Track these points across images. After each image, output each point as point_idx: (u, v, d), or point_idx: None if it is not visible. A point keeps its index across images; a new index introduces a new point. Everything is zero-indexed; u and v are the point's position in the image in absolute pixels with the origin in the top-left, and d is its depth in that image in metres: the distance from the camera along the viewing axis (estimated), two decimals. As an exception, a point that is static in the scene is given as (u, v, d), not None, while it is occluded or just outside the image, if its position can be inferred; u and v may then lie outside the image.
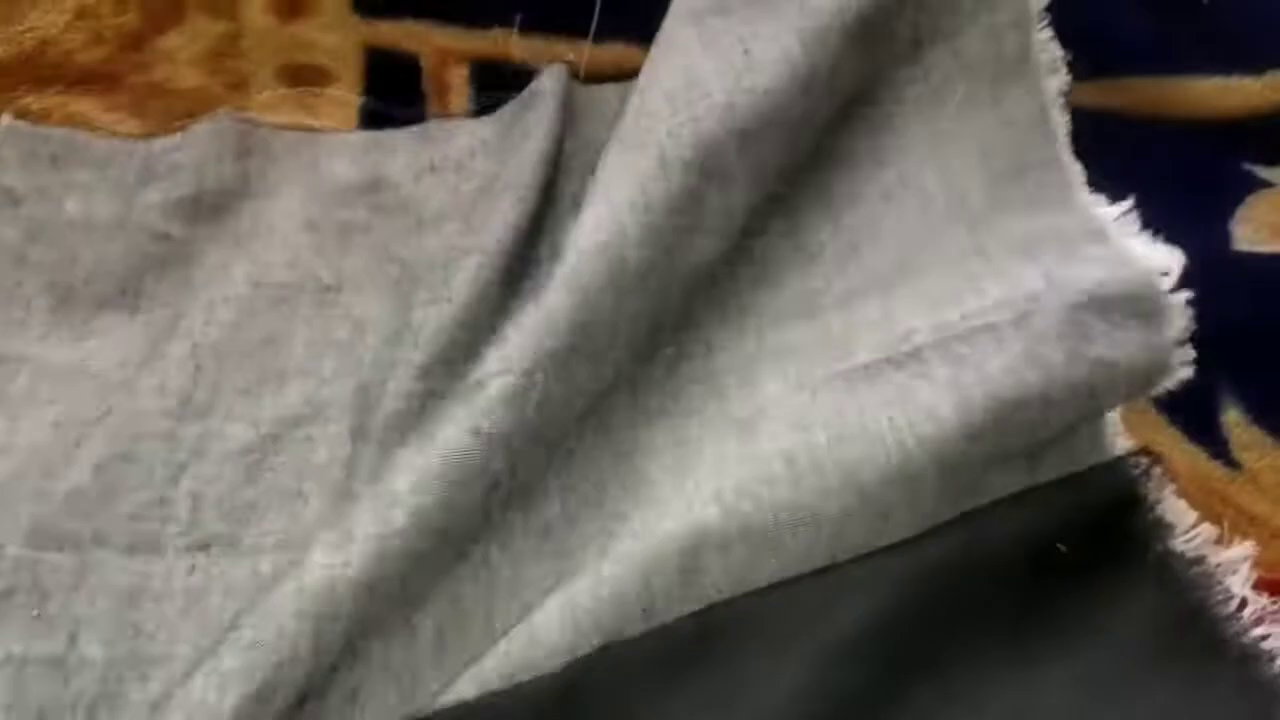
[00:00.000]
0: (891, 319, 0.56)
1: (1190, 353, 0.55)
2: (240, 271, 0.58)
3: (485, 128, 0.64)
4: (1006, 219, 0.60)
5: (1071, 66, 0.68)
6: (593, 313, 0.53)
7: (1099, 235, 0.58)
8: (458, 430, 0.51)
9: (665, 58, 0.60)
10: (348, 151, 0.62)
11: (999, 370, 0.53)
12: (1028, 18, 0.66)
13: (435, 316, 0.57)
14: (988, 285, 0.56)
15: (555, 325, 0.52)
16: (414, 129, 0.64)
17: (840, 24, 0.60)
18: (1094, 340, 0.53)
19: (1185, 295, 0.55)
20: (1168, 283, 0.55)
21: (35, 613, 0.49)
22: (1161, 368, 0.54)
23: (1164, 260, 0.56)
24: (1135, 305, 0.55)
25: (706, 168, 0.56)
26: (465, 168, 0.63)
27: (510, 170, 0.61)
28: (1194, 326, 0.56)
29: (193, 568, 0.51)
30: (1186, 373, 0.55)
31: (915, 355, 0.54)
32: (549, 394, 0.52)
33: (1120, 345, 0.54)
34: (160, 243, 0.58)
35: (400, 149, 0.63)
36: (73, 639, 0.49)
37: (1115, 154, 0.67)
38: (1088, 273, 0.55)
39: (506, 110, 0.64)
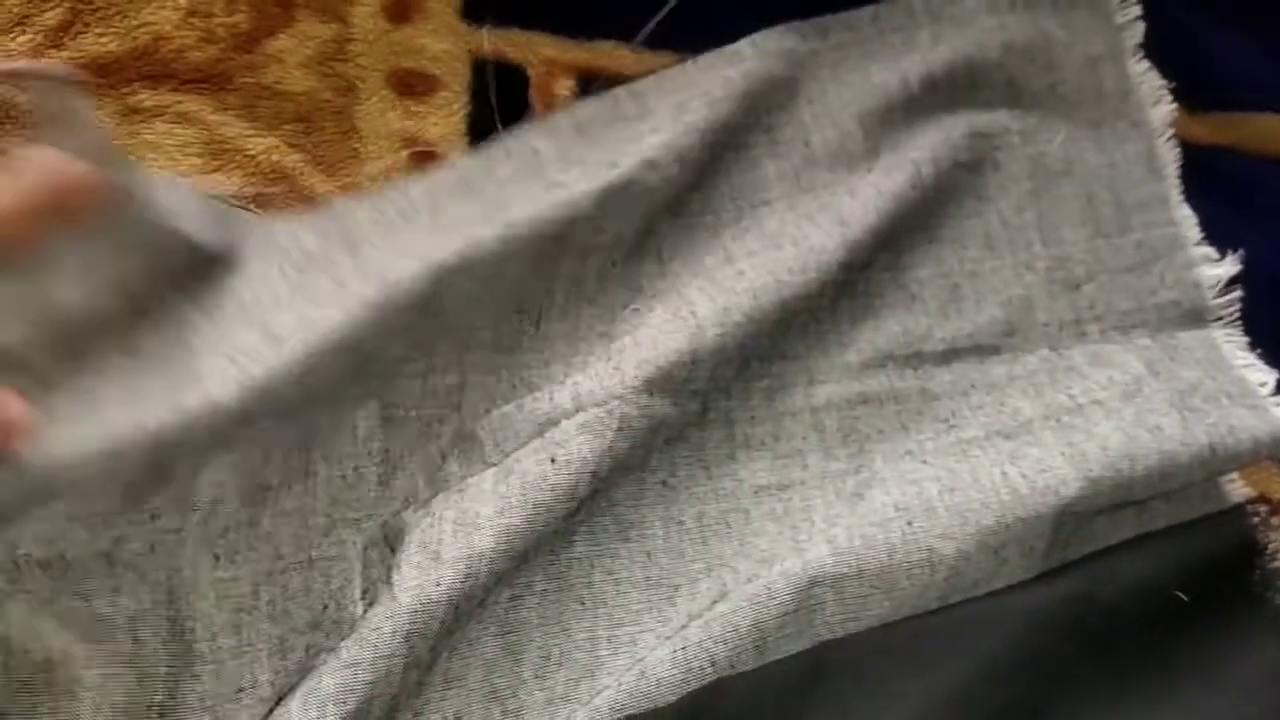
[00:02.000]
0: (1000, 403, 0.56)
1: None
2: None
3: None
4: (1108, 288, 0.60)
5: (1183, 101, 0.67)
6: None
7: (1197, 318, 0.59)
8: (534, 459, 0.50)
9: (736, 159, 0.60)
10: None
11: (1110, 431, 0.53)
12: (1121, 50, 0.65)
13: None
14: (1090, 371, 0.57)
15: (625, 364, 0.52)
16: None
17: (905, 97, 0.61)
18: (1206, 413, 0.54)
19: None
20: (1267, 390, 0.57)
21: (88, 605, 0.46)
22: None
23: (1261, 374, 0.58)
24: (1242, 400, 0.56)
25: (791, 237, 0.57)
26: None
27: None
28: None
29: (217, 558, 0.48)
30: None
31: (1025, 427, 0.55)
32: (627, 421, 0.51)
33: (1238, 417, 0.54)
34: None
35: None
36: (135, 637, 0.46)
37: (1224, 189, 0.66)
38: (1188, 372, 0.56)
39: None
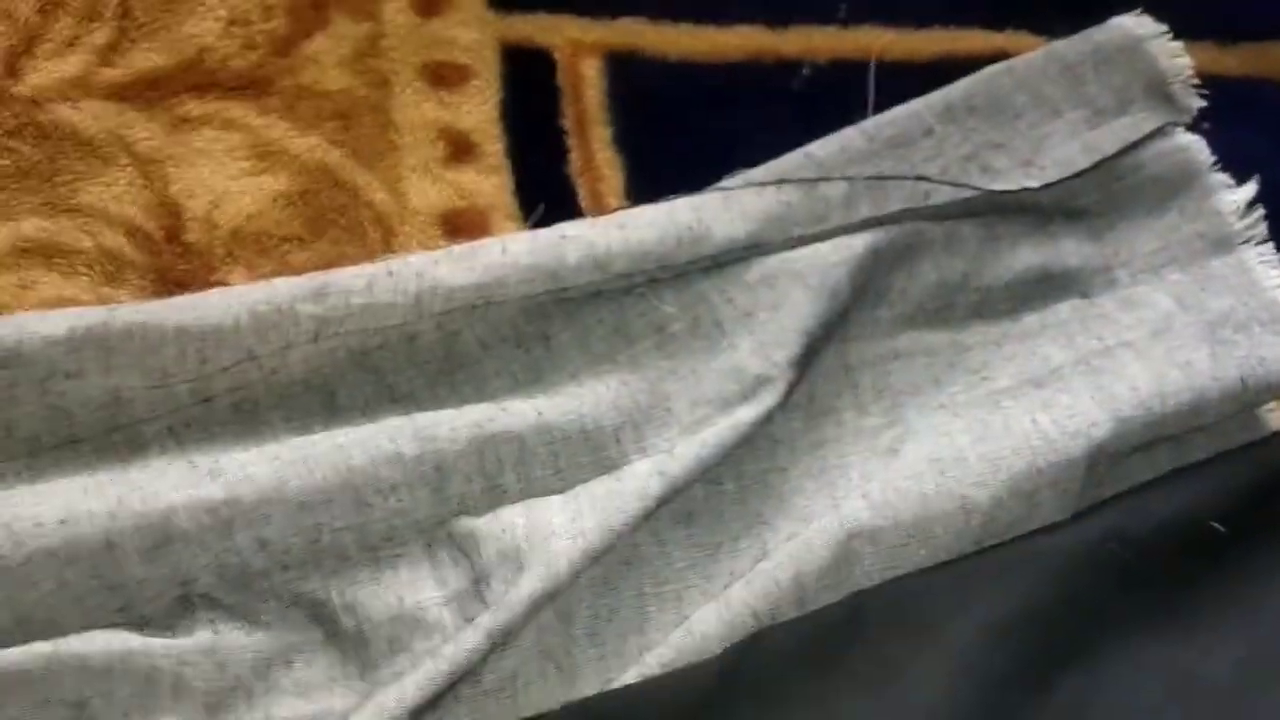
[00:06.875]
0: (1031, 351, 0.57)
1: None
2: None
3: None
4: (1129, 230, 0.60)
5: (1213, 35, 0.66)
6: None
7: (1225, 244, 0.59)
8: None
9: None
10: None
11: (1140, 370, 0.54)
12: None
13: None
14: (1120, 315, 0.57)
15: None
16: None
17: None
18: (1237, 344, 0.54)
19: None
20: None
21: None
22: None
23: None
24: (1273, 326, 0.56)
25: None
26: None
27: None
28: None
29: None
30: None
31: (1055, 374, 0.55)
32: None
33: (1269, 346, 0.54)
34: None
35: None
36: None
37: (1259, 119, 0.66)
38: (1219, 301, 0.56)
39: None
